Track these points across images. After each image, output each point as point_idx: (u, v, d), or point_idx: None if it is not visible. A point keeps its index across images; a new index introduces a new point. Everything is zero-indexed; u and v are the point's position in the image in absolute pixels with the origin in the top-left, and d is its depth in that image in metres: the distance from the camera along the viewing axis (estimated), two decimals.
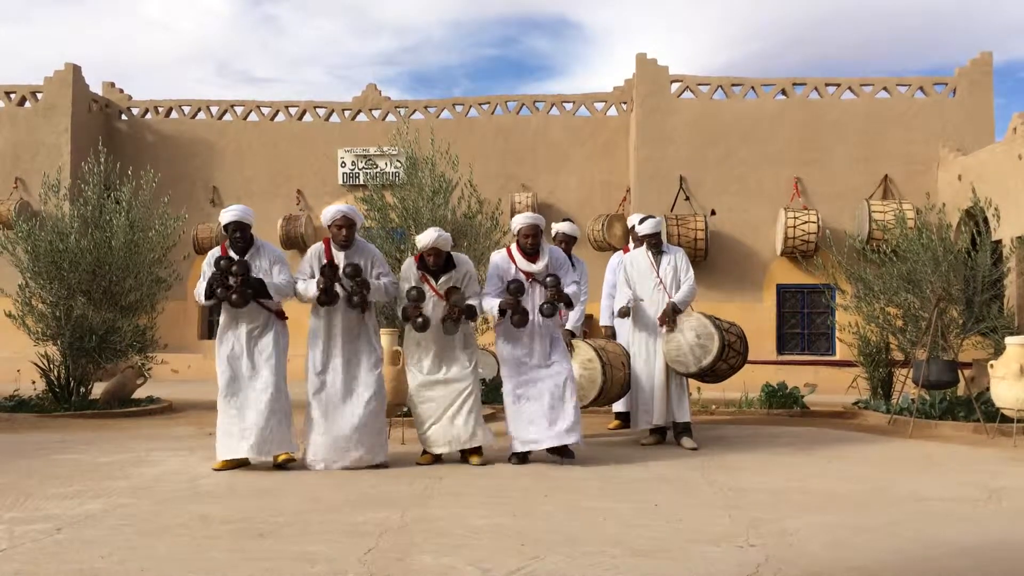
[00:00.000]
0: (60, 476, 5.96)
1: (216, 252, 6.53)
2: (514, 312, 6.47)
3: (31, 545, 4.14)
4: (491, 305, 6.59)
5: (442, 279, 6.59)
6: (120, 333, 10.43)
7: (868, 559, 3.99)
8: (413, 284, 6.55)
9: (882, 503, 5.25)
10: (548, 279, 6.55)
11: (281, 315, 6.62)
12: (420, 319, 6.41)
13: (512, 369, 6.69)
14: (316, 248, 6.66)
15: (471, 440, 6.57)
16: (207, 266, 6.48)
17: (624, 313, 7.68)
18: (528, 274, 6.68)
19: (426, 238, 6.52)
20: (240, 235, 6.47)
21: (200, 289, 6.41)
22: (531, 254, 6.74)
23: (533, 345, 6.68)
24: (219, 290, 6.27)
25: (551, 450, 6.70)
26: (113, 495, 5.32)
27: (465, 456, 6.68)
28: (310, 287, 6.40)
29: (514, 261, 6.74)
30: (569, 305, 6.73)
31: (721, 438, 8.13)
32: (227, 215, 6.51)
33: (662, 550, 4.12)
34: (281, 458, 6.37)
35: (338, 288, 6.37)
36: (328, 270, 6.29)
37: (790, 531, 4.49)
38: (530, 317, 6.58)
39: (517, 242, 6.80)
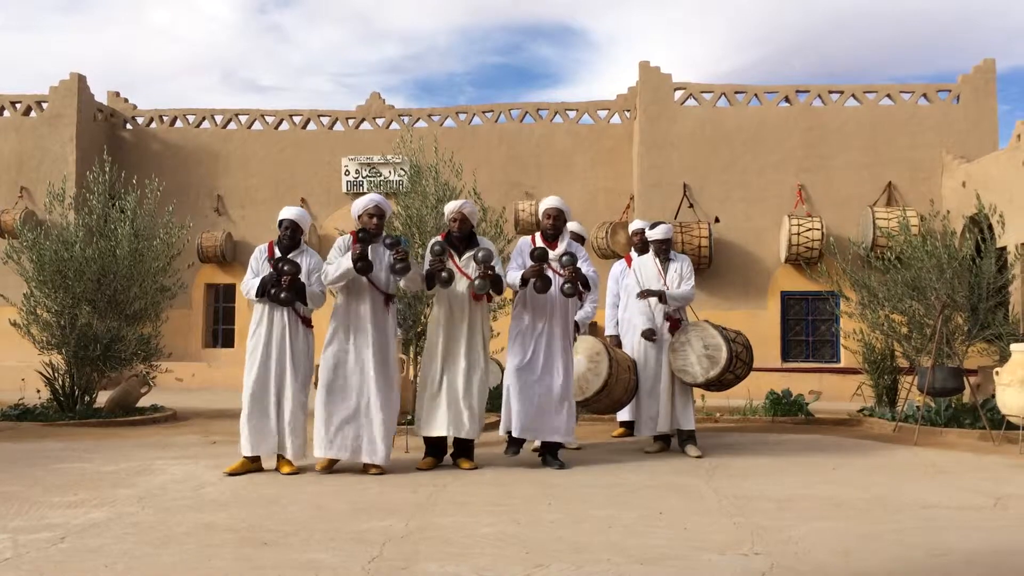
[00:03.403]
0: (64, 485, 5.97)
1: (264, 249, 6.77)
2: (538, 278, 6.59)
3: (35, 554, 4.15)
4: (514, 277, 6.78)
5: (466, 256, 6.76)
6: (125, 342, 10.45)
7: (873, 567, 3.98)
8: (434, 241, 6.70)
9: (887, 511, 5.23)
10: (564, 257, 6.68)
11: (308, 323, 6.73)
12: (445, 273, 6.53)
13: (519, 348, 6.77)
14: (343, 239, 6.75)
15: (468, 432, 6.66)
16: (255, 261, 6.72)
17: (649, 336, 7.67)
18: None
19: (453, 203, 6.85)
20: (291, 233, 6.73)
21: (251, 285, 6.60)
22: (552, 239, 6.94)
23: (548, 324, 6.80)
24: (272, 289, 6.48)
25: (542, 455, 6.85)
26: (117, 504, 5.33)
27: (456, 461, 6.78)
28: (343, 261, 6.47)
29: (535, 245, 6.93)
30: (586, 286, 6.82)
31: (726, 446, 8.11)
32: (286, 212, 6.79)
33: (667, 558, 4.11)
34: (286, 470, 6.46)
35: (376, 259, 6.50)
36: (365, 235, 6.45)
37: (795, 539, 4.48)
38: (553, 285, 6.69)
39: (541, 227, 7.07)
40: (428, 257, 6.70)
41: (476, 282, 6.54)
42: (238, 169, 17.18)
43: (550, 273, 6.70)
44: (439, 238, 6.90)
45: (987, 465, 7.16)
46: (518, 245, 7.08)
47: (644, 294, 7.66)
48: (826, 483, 6.20)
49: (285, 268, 6.44)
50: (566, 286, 6.64)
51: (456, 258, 6.77)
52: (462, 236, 6.82)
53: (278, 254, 6.70)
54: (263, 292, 6.52)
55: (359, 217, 6.71)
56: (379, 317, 6.59)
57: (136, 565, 3.97)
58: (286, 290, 6.44)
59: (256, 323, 6.62)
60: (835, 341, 14.62)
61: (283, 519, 4.92)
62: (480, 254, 6.56)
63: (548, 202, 7.06)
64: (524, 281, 6.69)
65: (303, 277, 6.60)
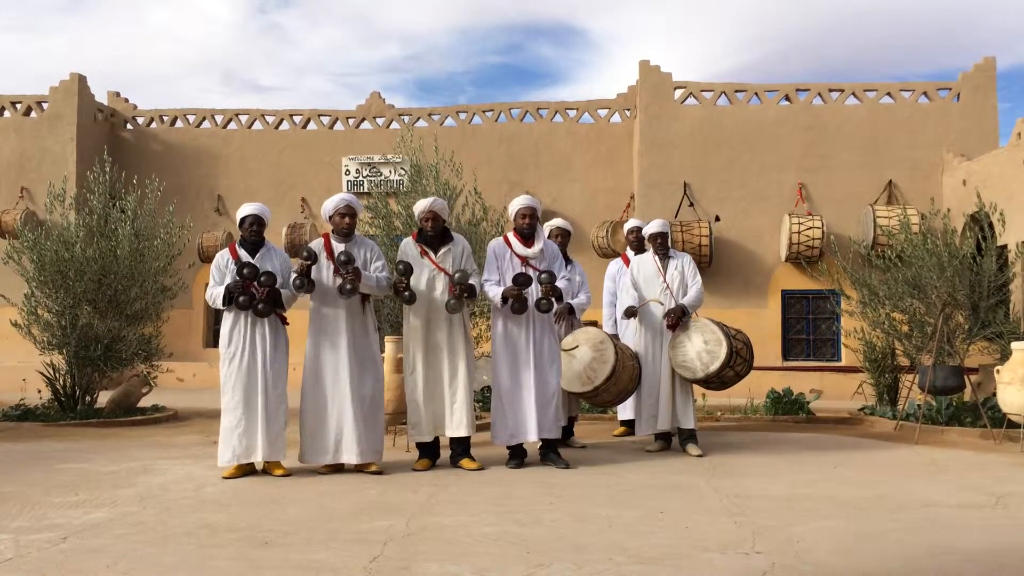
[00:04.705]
0: (65, 485, 5.97)
1: (225, 254, 6.63)
2: (516, 301, 6.66)
3: (37, 554, 4.15)
4: (495, 293, 6.78)
5: (441, 251, 6.73)
6: (125, 342, 10.45)
7: (874, 566, 3.98)
8: (402, 260, 6.66)
9: (888, 509, 5.23)
10: (543, 275, 6.72)
11: (283, 320, 6.67)
12: (407, 292, 6.51)
13: (504, 354, 6.79)
14: (316, 243, 6.72)
15: (460, 428, 6.64)
16: (216, 269, 6.59)
17: (631, 313, 7.65)
18: (523, 258, 6.89)
19: (423, 203, 6.77)
20: (256, 229, 6.62)
21: (216, 293, 6.50)
22: (527, 237, 6.92)
23: (529, 332, 6.79)
24: (241, 298, 6.38)
25: (543, 453, 6.86)
26: (118, 504, 5.33)
27: (457, 461, 6.75)
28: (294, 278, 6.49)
29: (510, 246, 6.93)
30: (560, 300, 6.85)
31: (726, 444, 8.11)
32: (246, 209, 6.69)
33: (668, 557, 4.11)
34: (279, 471, 6.42)
35: (331, 278, 6.49)
36: (307, 256, 6.41)
37: (796, 538, 4.48)
38: (529, 304, 6.74)
39: (515, 227, 7.01)
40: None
41: (450, 302, 6.58)
42: (238, 169, 17.18)
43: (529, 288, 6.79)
44: (411, 239, 6.87)
45: (988, 463, 7.16)
46: (490, 249, 7.02)
47: (670, 322, 7.52)
48: (827, 482, 6.20)
49: (262, 279, 6.39)
50: (542, 302, 6.71)
51: (432, 255, 6.73)
52: (436, 233, 6.78)
53: (243, 254, 6.57)
54: (230, 300, 6.42)
55: (330, 218, 6.68)
56: (356, 319, 6.56)
57: (137, 565, 3.97)
58: (265, 302, 6.39)
59: (231, 327, 6.50)
60: (836, 340, 14.62)
61: (284, 519, 4.92)
62: (457, 276, 6.57)
63: (520, 201, 7.01)
64: (504, 299, 6.72)
65: (277, 276, 6.53)
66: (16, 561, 4.03)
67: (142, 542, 4.39)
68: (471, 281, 6.65)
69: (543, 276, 6.70)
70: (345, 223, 6.62)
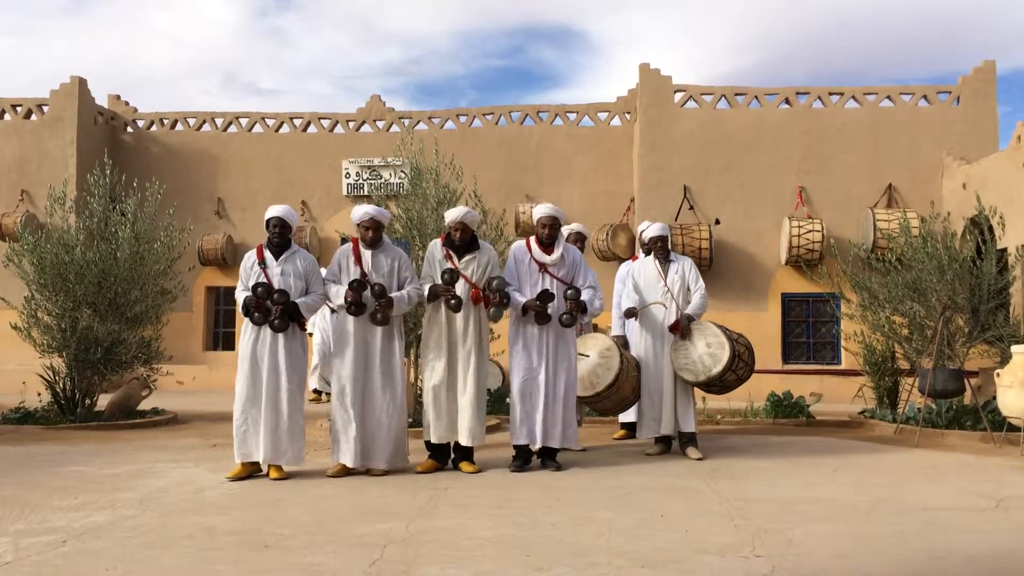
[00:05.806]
0: (65, 488, 5.97)
1: (252, 255, 6.71)
2: (538, 314, 6.78)
3: (36, 558, 4.15)
4: (517, 301, 6.87)
5: (465, 258, 6.81)
6: (125, 345, 10.44)
7: (874, 569, 3.98)
8: (444, 267, 6.76)
9: (888, 512, 5.23)
10: (569, 292, 6.87)
11: (302, 324, 6.70)
12: (453, 300, 6.61)
13: (521, 364, 6.88)
14: (345, 248, 6.81)
15: (466, 437, 6.66)
16: (243, 270, 6.71)
17: (631, 314, 7.68)
18: (541, 264, 6.98)
19: (455, 212, 6.82)
20: (280, 231, 6.68)
21: (240, 299, 6.60)
22: (547, 245, 7.01)
23: (548, 334, 6.86)
24: (256, 315, 6.46)
25: (540, 457, 6.91)
26: (118, 507, 5.33)
27: (457, 464, 6.78)
28: (340, 294, 6.58)
29: (530, 250, 7.03)
30: (584, 312, 7.01)
31: (726, 448, 8.11)
32: (272, 211, 6.76)
33: (668, 561, 4.11)
34: (275, 475, 6.42)
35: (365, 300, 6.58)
36: (357, 285, 6.49)
37: (796, 541, 4.48)
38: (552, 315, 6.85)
39: (536, 235, 7.10)
40: (426, 266, 6.89)
41: (491, 310, 6.71)
42: (239, 172, 17.19)
43: (551, 287, 6.91)
44: (439, 241, 6.95)
45: (988, 467, 7.16)
46: (511, 252, 7.14)
47: (674, 331, 7.54)
48: (827, 485, 6.20)
49: (274, 297, 6.45)
50: (564, 317, 6.83)
51: (455, 259, 6.81)
52: (462, 243, 6.85)
53: (268, 256, 6.64)
54: (247, 313, 6.48)
55: (357, 226, 6.77)
56: (382, 328, 6.62)
57: (137, 568, 3.97)
58: (280, 318, 6.45)
59: (247, 324, 6.60)
60: (836, 343, 14.61)
61: (284, 522, 4.92)
62: (495, 283, 6.66)
63: (542, 210, 7.06)
64: (524, 310, 6.83)
65: (299, 279, 6.61)
66: (16, 564, 4.03)
67: (142, 545, 4.39)
68: (507, 289, 6.76)
69: (569, 292, 6.85)
70: (369, 236, 6.69)
